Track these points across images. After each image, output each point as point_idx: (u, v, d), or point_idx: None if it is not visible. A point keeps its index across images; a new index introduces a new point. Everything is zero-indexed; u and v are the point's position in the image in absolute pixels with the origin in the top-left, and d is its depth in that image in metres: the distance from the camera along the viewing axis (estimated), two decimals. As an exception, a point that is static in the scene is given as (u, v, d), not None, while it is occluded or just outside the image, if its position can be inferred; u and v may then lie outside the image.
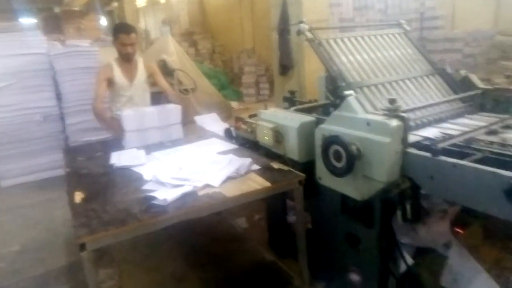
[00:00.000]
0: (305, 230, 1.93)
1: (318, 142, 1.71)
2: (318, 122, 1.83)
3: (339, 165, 1.58)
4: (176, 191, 1.65)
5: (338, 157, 1.59)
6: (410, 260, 1.76)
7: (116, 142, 2.58)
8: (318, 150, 1.73)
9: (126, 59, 2.97)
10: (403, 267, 1.77)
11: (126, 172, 2.03)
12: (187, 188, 1.68)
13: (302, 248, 1.92)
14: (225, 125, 3.01)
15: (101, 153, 2.46)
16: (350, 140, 1.53)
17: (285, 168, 1.90)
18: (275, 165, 1.95)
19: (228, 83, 8.93)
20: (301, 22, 2.09)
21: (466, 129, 1.60)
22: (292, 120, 1.92)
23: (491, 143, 1.46)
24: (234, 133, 2.57)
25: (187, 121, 3.50)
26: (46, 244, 2.91)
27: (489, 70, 4.77)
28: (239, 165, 1.89)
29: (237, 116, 2.65)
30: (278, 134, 1.98)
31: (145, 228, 1.50)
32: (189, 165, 1.99)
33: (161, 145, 2.50)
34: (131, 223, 1.46)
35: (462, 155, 1.37)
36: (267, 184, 1.75)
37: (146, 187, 1.78)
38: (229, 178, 1.80)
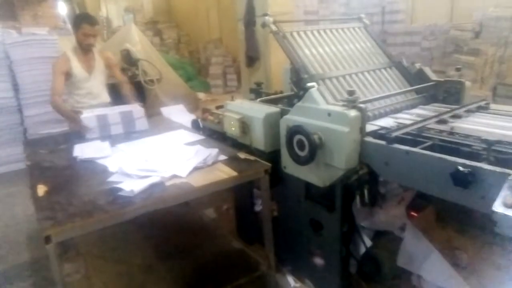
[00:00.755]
0: (271, 218, 2.00)
1: (283, 132, 1.78)
2: (283, 113, 1.89)
3: (302, 154, 1.65)
4: (143, 182, 1.66)
5: (301, 146, 1.66)
6: (369, 243, 1.88)
7: (78, 135, 2.52)
8: (283, 140, 1.79)
9: (85, 50, 2.88)
10: (362, 249, 1.89)
11: (90, 165, 2.00)
12: (154, 179, 1.69)
13: (268, 234, 1.98)
14: (192, 117, 3.02)
15: (63, 146, 2.40)
16: (312, 130, 1.60)
17: (252, 158, 1.95)
18: (242, 155, 1.99)
19: (195, 74, 8.82)
20: (266, 14, 2.13)
21: (419, 118, 1.71)
22: (258, 111, 1.97)
23: (441, 131, 1.59)
24: (201, 124, 2.59)
25: (153, 112, 3.47)
26: (7, 240, 2.81)
27: (445, 63, 5.05)
28: (206, 155, 1.92)
29: (204, 107, 2.67)
30: (245, 125, 2.03)
31: (113, 219, 1.50)
32: (156, 156, 2.00)
33: (126, 137, 2.47)
34: (98, 215, 1.46)
35: (414, 143, 1.48)
36: (234, 173, 1.79)
37: (112, 179, 1.77)
38: (196, 169, 1.83)
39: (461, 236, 2.16)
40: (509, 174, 1.11)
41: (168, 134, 2.51)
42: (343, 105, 1.58)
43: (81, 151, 2.19)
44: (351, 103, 1.55)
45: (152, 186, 1.65)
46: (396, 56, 2.48)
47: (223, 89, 8.45)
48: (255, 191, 2.38)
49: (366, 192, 1.62)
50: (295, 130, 1.68)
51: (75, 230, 1.42)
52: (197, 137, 2.41)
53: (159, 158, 1.97)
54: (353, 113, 1.52)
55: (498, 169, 1.16)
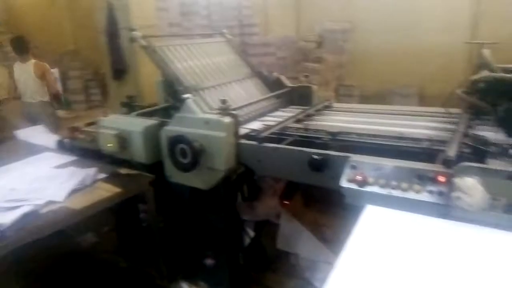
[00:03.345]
0: (159, 230, 2.03)
1: (165, 143, 1.85)
2: (161, 124, 1.95)
3: (185, 161, 1.75)
4: (13, 214, 1.51)
5: (184, 154, 1.76)
6: (252, 233, 2.10)
7: None
8: (165, 151, 1.86)
9: None
10: (247, 241, 2.10)
11: None
12: (26, 208, 1.55)
13: (157, 246, 2.01)
14: (55, 137, 2.78)
15: None
16: (193, 138, 1.72)
17: (134, 172, 1.95)
18: (123, 170, 1.97)
19: (50, 90, 7.88)
20: (132, 29, 2.15)
21: (281, 120, 2.01)
22: (135, 125, 1.98)
23: (298, 129, 1.90)
24: (69, 144, 2.42)
25: (4, 137, 3.04)
26: None
27: (297, 70, 5.79)
28: (83, 176, 1.85)
29: (72, 125, 2.50)
30: (123, 140, 2.01)
31: (-20, 259, 1.34)
32: (23, 184, 1.81)
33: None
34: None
35: (279, 140, 1.75)
36: (117, 189, 1.77)
37: (-29, 216, 1.55)
38: (75, 191, 1.74)
39: (326, 214, 2.56)
40: (349, 157, 1.44)
41: (33, 159, 2.28)
42: (218, 113, 1.75)
43: None
44: (225, 110, 1.73)
45: (25, 216, 1.52)
46: (257, 66, 2.79)
47: (86, 104, 7.81)
48: (140, 206, 2.36)
49: (245, 188, 1.82)
50: (176, 140, 1.77)
51: None
52: (67, 158, 2.25)
53: (27, 185, 1.80)
54: (227, 119, 1.70)
55: (341, 154, 1.48)
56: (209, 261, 2.13)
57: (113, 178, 1.90)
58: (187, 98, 1.84)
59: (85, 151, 2.32)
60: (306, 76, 2.57)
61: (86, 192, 1.77)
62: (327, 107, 2.34)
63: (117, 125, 2.04)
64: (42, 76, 4.42)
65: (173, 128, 1.83)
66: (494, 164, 1.27)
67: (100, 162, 2.13)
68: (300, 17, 6.97)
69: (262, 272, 2.14)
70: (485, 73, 1.62)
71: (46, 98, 4.51)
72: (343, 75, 6.40)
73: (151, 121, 2.00)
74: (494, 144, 1.38)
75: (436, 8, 5.55)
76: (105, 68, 4.28)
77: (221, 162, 1.70)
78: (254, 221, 2.24)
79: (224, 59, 2.50)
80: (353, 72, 6.39)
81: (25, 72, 4.46)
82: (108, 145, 2.06)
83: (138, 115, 2.20)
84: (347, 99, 6.08)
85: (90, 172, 1.88)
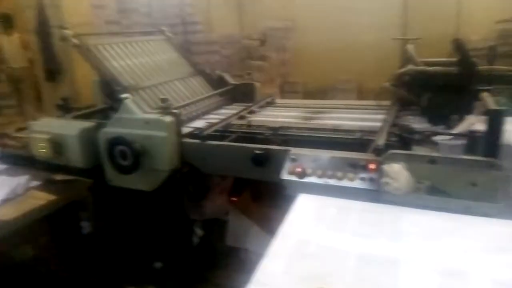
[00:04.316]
0: (103, 236, 1.95)
1: (103, 146, 1.78)
2: (99, 126, 1.87)
3: (126, 163, 1.70)
4: None
5: (124, 156, 1.71)
6: (201, 232, 2.09)
7: None
8: (104, 154, 1.79)
9: None
10: (197, 240, 2.09)
11: None
12: None
13: (99, 254, 1.94)
14: (-19, 146, 2.55)
15: None
16: (133, 139, 1.68)
17: (71, 177, 1.86)
18: (59, 177, 1.87)
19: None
20: (64, 27, 2.04)
21: (224, 117, 2.02)
22: (70, 128, 1.88)
23: (241, 125, 1.93)
24: (-1, 153, 2.24)
25: None
26: None
27: (241, 68, 5.82)
28: (14, 185, 1.73)
29: (0, 132, 2.32)
30: (57, 145, 1.90)
31: None
32: None
33: None
34: None
35: (222, 137, 1.76)
36: (53, 197, 1.68)
37: None
38: (5, 201, 1.62)
39: (273, 208, 2.62)
40: (289, 150, 1.49)
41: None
42: (159, 112, 1.72)
43: None
44: (166, 109, 1.70)
45: None
46: (202, 64, 2.78)
47: (18, 109, 7.21)
48: (81, 214, 2.25)
49: (191, 188, 1.81)
50: (116, 142, 1.71)
51: None
52: (-4, 167, 2.08)
53: None
54: (168, 118, 1.67)
55: (282, 148, 1.53)
56: (158, 264, 2.09)
57: (47, 185, 1.79)
58: (126, 98, 1.78)
59: (17, 159, 2.16)
60: (249, 74, 2.61)
61: (19, 202, 1.66)
62: (270, 104, 2.40)
63: (49, 129, 1.92)
64: None
65: (111, 129, 1.76)
66: (418, 150, 1.38)
67: (34, 168, 2.00)
68: (243, 15, 7.01)
69: (212, 270, 2.14)
70: (409, 67, 1.75)
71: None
72: (287, 73, 6.56)
73: (87, 124, 1.91)
74: (419, 132, 1.50)
75: (371, 7, 5.89)
76: (36, 69, 3.99)
77: (164, 162, 1.67)
78: (203, 220, 2.23)
79: (164, 58, 2.45)
80: (296, 69, 6.57)
81: None
82: (41, 150, 1.93)
83: (74, 117, 2.09)
84: (292, 95, 6.24)
85: (21, 180, 1.77)
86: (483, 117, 1.26)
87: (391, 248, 0.79)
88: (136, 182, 1.78)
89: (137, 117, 1.72)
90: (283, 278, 0.73)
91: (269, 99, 2.42)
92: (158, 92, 2.17)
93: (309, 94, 6.20)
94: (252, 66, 5.70)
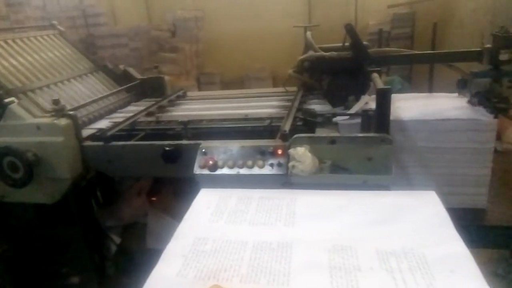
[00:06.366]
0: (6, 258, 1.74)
1: (-13, 159, 1.55)
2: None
3: (17, 176, 1.51)
4: None
5: (15, 168, 1.52)
6: (118, 240, 1.97)
7: None
8: (-10, 168, 1.57)
9: None
10: (114, 248, 1.96)
11: None
12: None
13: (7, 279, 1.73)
14: None
15: None
16: (23, 148, 1.49)
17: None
18: None
19: None
20: None
21: (131, 115, 1.90)
22: None
23: (150, 122, 1.84)
24: None
25: None
26: None
27: (153, 61, 5.59)
28: None
29: None
30: None
31: None
32: None
33: None
34: None
35: (129, 137, 1.66)
36: None
37: None
38: None
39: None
40: (200, 144, 1.46)
41: None
42: (51, 116, 1.55)
43: None
44: (59, 112, 1.55)
45: None
46: (106, 58, 2.57)
47: None
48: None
49: (98, 193, 1.68)
50: (2, 153, 1.51)
51: None
52: None
53: None
54: (63, 121, 1.52)
55: (192, 142, 1.49)
56: (74, 280, 1.92)
57: None
58: (11, 102, 1.58)
59: None
60: (156, 67, 2.49)
61: None
62: (181, 97, 2.32)
63: None
64: None
65: (-5, 140, 1.55)
66: (320, 132, 1.46)
67: None
68: (150, 5, 6.72)
69: (134, 276, 2.04)
70: (309, 53, 1.83)
71: None
72: (202, 64, 6.47)
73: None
74: (321, 115, 1.58)
75: (278, -5, 6.07)
76: None
77: (64, 170, 1.53)
78: (121, 226, 2.10)
79: (58, 54, 2.21)
80: (212, 60, 6.52)
81: None
82: None
83: None
84: (210, 87, 6.20)
85: None
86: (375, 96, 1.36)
87: (285, 233, 0.81)
88: (33, 195, 1.60)
89: (27, 123, 1.54)
90: (177, 281, 0.71)
91: (180, 93, 2.34)
92: (53, 93, 1.96)
93: (225, 85, 6.22)
94: (164, 59, 5.50)
